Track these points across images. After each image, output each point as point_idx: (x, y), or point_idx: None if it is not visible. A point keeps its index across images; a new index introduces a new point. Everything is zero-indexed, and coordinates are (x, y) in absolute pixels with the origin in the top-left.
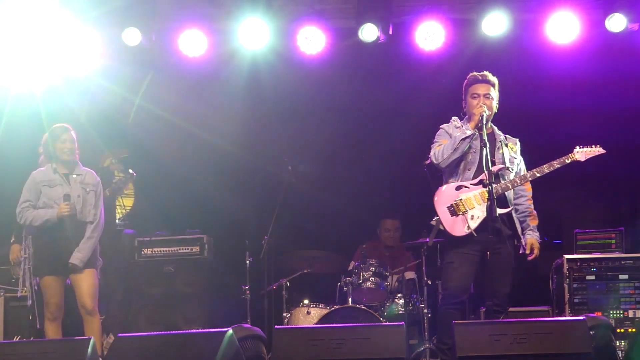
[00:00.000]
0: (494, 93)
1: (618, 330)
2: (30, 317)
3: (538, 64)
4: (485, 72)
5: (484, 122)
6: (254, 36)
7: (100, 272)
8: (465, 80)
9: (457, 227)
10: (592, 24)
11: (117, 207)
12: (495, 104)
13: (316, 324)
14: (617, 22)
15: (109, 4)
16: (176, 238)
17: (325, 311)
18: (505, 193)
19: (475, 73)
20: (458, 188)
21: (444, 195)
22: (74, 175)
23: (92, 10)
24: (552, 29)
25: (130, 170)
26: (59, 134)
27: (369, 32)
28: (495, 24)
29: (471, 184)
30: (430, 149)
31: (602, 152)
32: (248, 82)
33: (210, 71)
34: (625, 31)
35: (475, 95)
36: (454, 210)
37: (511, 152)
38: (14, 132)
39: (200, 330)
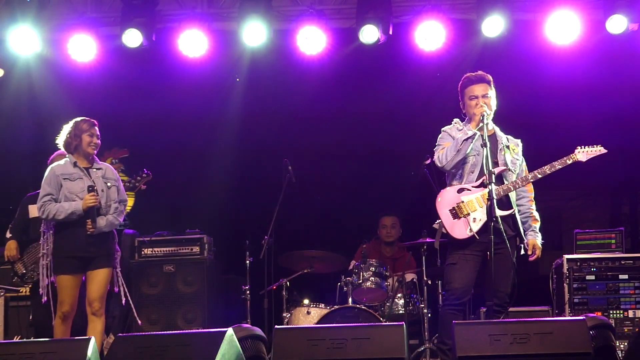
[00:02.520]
0: (491, 91)
1: (618, 330)
2: (31, 317)
3: (539, 64)
4: (480, 72)
5: (485, 121)
6: (254, 36)
7: (119, 263)
8: (460, 82)
9: (459, 230)
10: (593, 24)
11: None
12: (493, 102)
13: (316, 324)
14: (617, 23)
15: (109, 4)
16: (176, 238)
17: (325, 311)
18: (508, 194)
19: (469, 74)
20: (460, 191)
21: (446, 198)
22: (94, 169)
23: (92, 10)
24: (552, 30)
25: (146, 170)
26: (88, 128)
27: (369, 34)
28: (495, 25)
29: (473, 187)
30: (434, 152)
31: (603, 152)
32: (248, 81)
33: (210, 71)
34: (625, 32)
35: (473, 97)
36: (455, 213)
37: (513, 154)
38: (12, 132)
39: (200, 330)
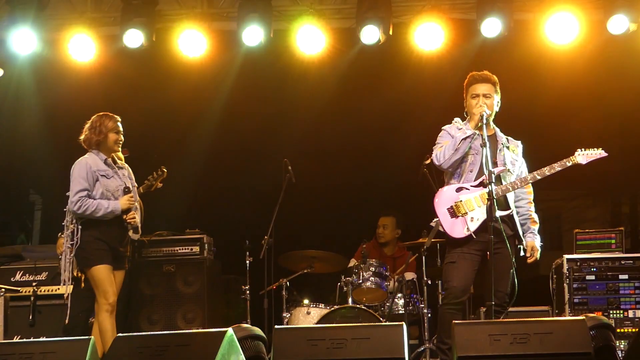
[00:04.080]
0: (495, 92)
1: (618, 330)
2: (30, 317)
3: (539, 64)
4: (485, 72)
5: (484, 121)
6: (253, 36)
7: None
8: (465, 81)
9: (457, 229)
10: (593, 25)
11: None
12: (496, 103)
13: (316, 324)
14: (618, 24)
15: (109, 4)
16: (176, 238)
17: (325, 311)
18: (507, 195)
19: (474, 73)
20: (458, 190)
21: (444, 197)
22: (117, 168)
23: (92, 10)
24: (552, 30)
25: (163, 168)
26: (114, 125)
27: (370, 34)
28: (495, 25)
29: (472, 186)
30: (433, 149)
31: (603, 156)
32: (248, 81)
33: (210, 71)
34: (626, 32)
35: (475, 95)
36: (453, 212)
37: (512, 155)
38: (12, 131)
39: (200, 330)
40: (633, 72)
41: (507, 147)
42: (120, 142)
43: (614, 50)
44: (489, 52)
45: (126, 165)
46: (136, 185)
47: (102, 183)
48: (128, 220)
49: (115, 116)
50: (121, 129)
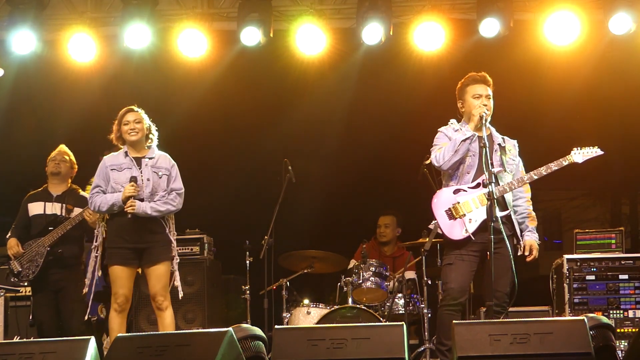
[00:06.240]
0: (491, 94)
1: (618, 330)
2: (30, 317)
3: (539, 64)
4: (484, 73)
5: (484, 122)
6: (253, 36)
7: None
8: (463, 81)
9: (455, 231)
10: (594, 24)
11: None
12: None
13: (316, 324)
14: (620, 23)
15: (109, 4)
16: (176, 238)
17: (325, 311)
18: (504, 195)
19: (474, 73)
20: (456, 192)
21: (442, 199)
22: (147, 159)
23: (92, 10)
24: (553, 30)
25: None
26: (121, 116)
27: (371, 34)
28: (495, 25)
29: (469, 187)
30: (431, 151)
31: (600, 154)
32: (248, 82)
33: (210, 71)
34: (628, 32)
35: (477, 96)
36: (451, 214)
37: (509, 155)
38: (12, 131)
39: (200, 330)
40: (634, 73)
41: (503, 148)
42: (131, 131)
43: (615, 50)
44: (489, 52)
45: (161, 154)
46: (166, 174)
47: (112, 177)
48: (125, 209)
49: (128, 107)
50: (132, 116)
